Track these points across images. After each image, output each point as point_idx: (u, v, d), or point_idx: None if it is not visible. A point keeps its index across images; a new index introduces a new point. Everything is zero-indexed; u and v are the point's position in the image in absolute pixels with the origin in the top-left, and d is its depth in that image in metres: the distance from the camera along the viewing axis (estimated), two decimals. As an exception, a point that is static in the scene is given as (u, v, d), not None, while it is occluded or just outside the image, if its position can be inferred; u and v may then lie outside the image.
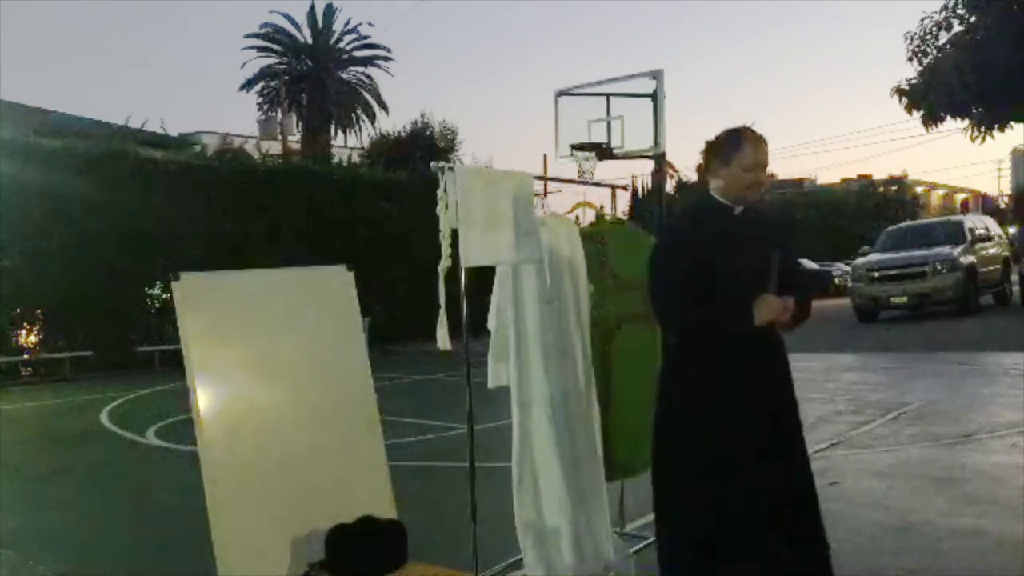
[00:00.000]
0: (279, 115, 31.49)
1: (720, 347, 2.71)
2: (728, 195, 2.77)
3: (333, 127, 35.34)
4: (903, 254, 16.43)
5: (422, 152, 24.73)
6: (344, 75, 36.70)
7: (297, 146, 30.59)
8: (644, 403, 3.07)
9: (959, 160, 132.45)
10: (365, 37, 36.75)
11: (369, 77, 37.07)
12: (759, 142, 2.73)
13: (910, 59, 17.26)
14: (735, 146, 2.72)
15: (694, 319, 2.70)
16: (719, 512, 2.65)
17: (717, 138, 2.78)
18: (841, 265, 30.30)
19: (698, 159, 2.91)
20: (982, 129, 17.29)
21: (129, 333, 16.19)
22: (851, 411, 7.58)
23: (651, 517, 3.01)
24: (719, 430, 2.67)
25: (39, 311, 15.41)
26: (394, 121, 58.69)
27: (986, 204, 53.01)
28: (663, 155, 4.32)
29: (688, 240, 2.77)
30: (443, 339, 3.24)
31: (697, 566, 2.69)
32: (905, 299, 16.04)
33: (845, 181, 49.41)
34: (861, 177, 49.17)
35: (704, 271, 2.65)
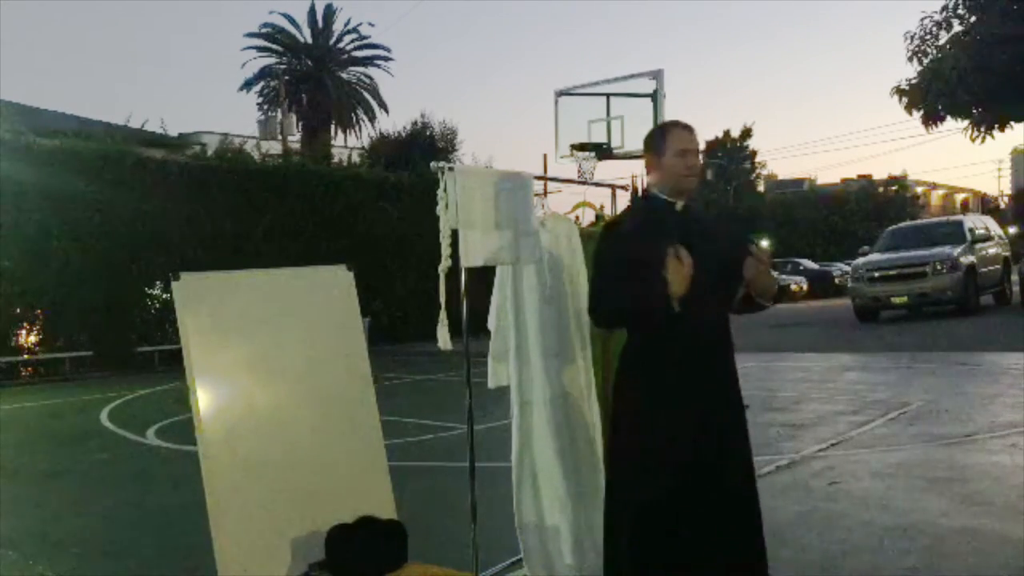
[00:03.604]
0: (279, 115, 31.45)
1: (660, 338, 2.68)
2: (666, 187, 2.77)
3: (333, 127, 35.37)
4: (903, 254, 16.43)
5: (422, 152, 24.72)
6: (344, 75, 36.73)
7: (297, 146, 30.57)
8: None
9: (959, 160, 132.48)
10: (365, 37, 36.84)
11: (369, 77, 37.17)
12: (688, 129, 2.79)
13: (910, 59, 17.25)
14: (666, 135, 2.78)
15: (617, 306, 2.68)
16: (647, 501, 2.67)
17: (650, 134, 2.86)
18: (841, 265, 30.31)
19: None
20: (982, 129, 17.28)
21: (129, 333, 16.20)
22: (851, 411, 7.58)
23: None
24: (650, 417, 2.68)
25: (39, 311, 15.42)
26: (394, 121, 58.85)
27: (986, 204, 53.01)
28: (663, 155, 4.32)
29: (627, 239, 2.73)
30: (443, 339, 3.24)
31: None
32: (905, 299, 16.03)
33: (845, 181, 49.38)
34: (861, 177, 49.15)
35: (642, 269, 2.60)
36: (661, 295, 2.54)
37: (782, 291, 28.83)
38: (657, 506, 2.64)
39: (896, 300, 16.16)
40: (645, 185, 2.95)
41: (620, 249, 2.71)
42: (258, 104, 35.41)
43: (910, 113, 17.25)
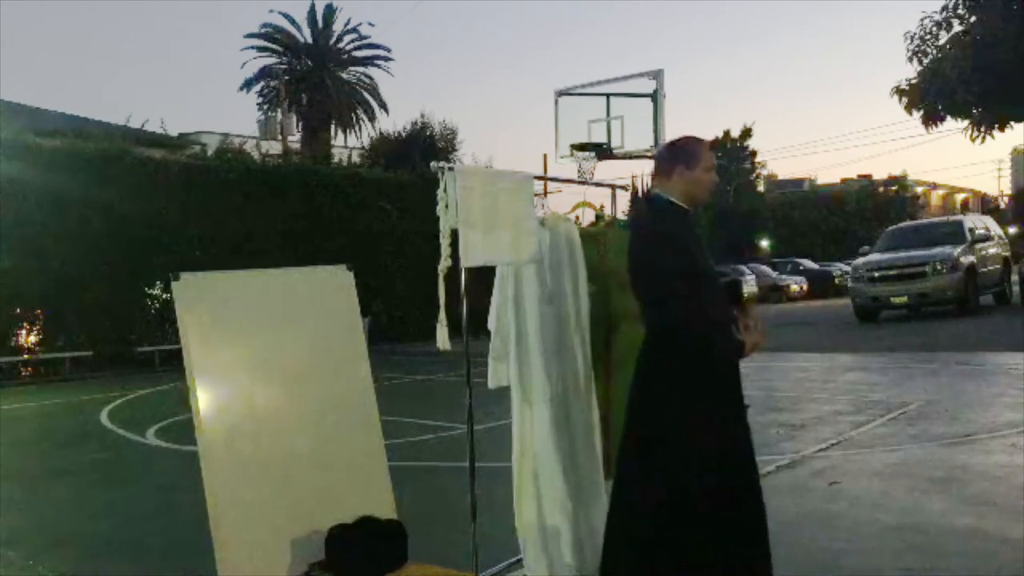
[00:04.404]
0: (279, 115, 31.48)
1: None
2: (686, 197, 2.83)
3: (333, 127, 35.34)
4: (903, 254, 16.43)
5: (422, 152, 24.71)
6: (344, 75, 36.69)
7: (297, 146, 30.58)
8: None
9: (959, 160, 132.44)
10: (365, 37, 36.78)
11: (369, 77, 37.11)
12: (710, 147, 2.93)
13: (910, 59, 17.25)
14: (701, 149, 2.84)
15: (702, 323, 2.68)
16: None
17: (682, 142, 2.88)
18: (841, 265, 30.31)
19: None
20: (982, 129, 17.28)
21: (129, 333, 16.19)
22: (851, 411, 7.58)
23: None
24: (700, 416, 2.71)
25: (39, 311, 15.41)
26: (394, 121, 58.90)
27: (986, 204, 53.01)
28: (663, 155, 4.31)
29: (680, 240, 2.76)
30: (443, 339, 3.24)
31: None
32: (905, 299, 16.04)
33: (845, 181, 49.40)
34: (861, 177, 49.17)
35: (692, 273, 2.69)
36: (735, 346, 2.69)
37: (782, 291, 28.87)
38: (677, 504, 2.68)
39: (896, 300, 16.17)
40: (650, 189, 2.97)
41: (682, 253, 2.71)
42: (258, 104, 35.39)
43: (910, 113, 17.26)
